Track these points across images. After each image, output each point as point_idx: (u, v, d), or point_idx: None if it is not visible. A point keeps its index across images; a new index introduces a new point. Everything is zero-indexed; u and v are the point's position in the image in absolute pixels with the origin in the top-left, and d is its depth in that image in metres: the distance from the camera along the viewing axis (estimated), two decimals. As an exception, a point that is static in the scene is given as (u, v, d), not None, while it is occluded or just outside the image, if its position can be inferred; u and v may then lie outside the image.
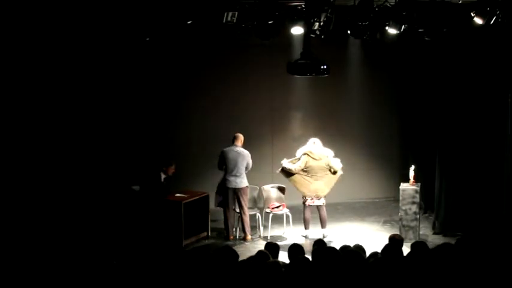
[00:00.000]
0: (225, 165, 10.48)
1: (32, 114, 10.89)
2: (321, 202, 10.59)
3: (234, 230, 10.70)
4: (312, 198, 10.52)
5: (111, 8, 9.07)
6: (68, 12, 9.44)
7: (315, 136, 10.76)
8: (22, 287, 8.06)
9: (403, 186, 10.50)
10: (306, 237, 10.67)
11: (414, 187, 10.42)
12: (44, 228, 10.20)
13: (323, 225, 10.73)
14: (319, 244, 7.01)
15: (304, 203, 10.59)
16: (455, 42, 10.27)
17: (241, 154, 10.48)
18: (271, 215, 10.79)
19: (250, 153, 10.58)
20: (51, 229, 10.20)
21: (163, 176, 10.52)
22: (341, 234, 10.83)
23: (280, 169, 10.60)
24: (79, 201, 10.96)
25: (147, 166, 11.04)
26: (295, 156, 10.63)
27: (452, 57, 10.59)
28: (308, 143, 10.62)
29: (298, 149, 10.69)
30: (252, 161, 10.61)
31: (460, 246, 6.53)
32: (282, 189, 11.12)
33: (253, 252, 6.65)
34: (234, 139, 10.56)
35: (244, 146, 10.61)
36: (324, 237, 10.49)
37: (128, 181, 10.88)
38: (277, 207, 10.86)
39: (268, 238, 10.57)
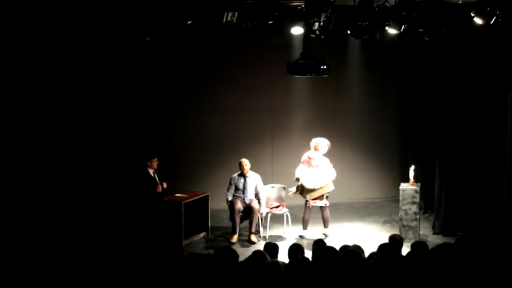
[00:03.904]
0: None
1: (31, 112, 10.91)
2: (323, 203, 10.63)
3: None
4: (315, 199, 10.55)
5: (111, 8, 9.07)
6: (68, 12, 9.44)
7: (314, 136, 10.76)
8: (22, 287, 8.08)
9: (403, 186, 10.49)
10: (302, 237, 10.67)
11: (414, 187, 10.42)
12: (43, 229, 10.20)
13: (325, 225, 10.76)
14: (318, 244, 7.02)
15: (306, 204, 10.62)
16: (455, 42, 10.27)
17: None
18: (270, 214, 10.79)
19: (249, 153, 10.59)
20: (50, 229, 10.21)
21: (151, 171, 10.48)
22: (341, 234, 10.83)
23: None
24: (78, 201, 10.97)
25: (134, 165, 11.01)
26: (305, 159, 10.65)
27: (452, 57, 10.59)
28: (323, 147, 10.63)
29: (298, 148, 10.70)
30: (252, 161, 10.66)
31: (460, 246, 6.53)
32: (282, 189, 11.14)
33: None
34: None
35: (244, 146, 10.64)
36: (325, 236, 10.54)
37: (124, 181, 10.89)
38: (276, 207, 10.85)
39: (267, 238, 10.57)
